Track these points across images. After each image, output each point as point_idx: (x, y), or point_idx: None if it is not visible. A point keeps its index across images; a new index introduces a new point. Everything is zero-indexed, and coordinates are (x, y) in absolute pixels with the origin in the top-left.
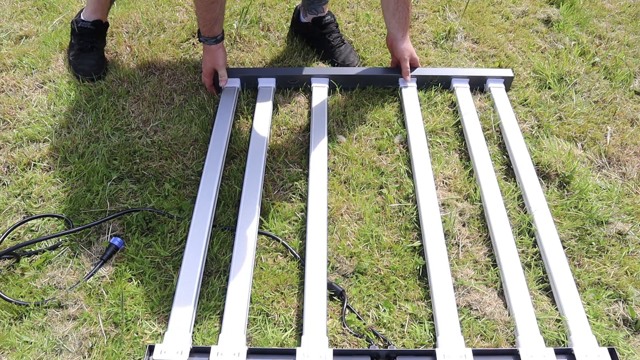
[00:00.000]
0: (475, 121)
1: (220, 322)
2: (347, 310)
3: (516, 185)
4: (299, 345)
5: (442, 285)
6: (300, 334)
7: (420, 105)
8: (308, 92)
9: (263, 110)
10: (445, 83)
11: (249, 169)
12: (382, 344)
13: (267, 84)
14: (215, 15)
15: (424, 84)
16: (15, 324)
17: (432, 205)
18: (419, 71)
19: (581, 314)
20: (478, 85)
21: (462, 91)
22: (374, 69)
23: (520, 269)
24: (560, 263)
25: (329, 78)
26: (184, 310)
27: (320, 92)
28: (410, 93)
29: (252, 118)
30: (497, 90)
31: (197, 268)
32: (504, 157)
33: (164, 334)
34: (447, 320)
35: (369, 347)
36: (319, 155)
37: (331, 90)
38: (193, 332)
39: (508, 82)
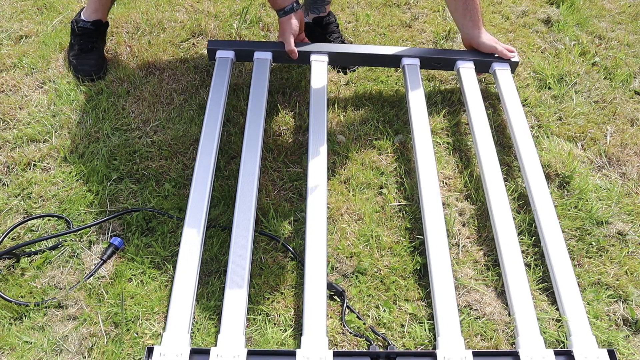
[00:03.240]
0: (480, 104)
1: (219, 323)
2: (347, 310)
3: (517, 185)
4: (299, 346)
5: (443, 285)
6: (300, 334)
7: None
8: (307, 93)
9: (259, 88)
10: (449, 65)
11: (244, 161)
12: (382, 344)
13: (263, 56)
14: None
15: (428, 65)
16: (15, 324)
17: (435, 200)
18: (424, 52)
19: (582, 315)
20: (483, 68)
21: (466, 72)
22: (376, 47)
23: (522, 269)
24: (563, 263)
25: (327, 54)
26: (181, 311)
27: (319, 66)
28: (413, 72)
29: (248, 99)
30: (502, 72)
31: (193, 268)
32: (504, 157)
33: (162, 335)
34: (447, 321)
35: (368, 348)
36: (317, 153)
37: (330, 91)
38: (192, 333)
39: (513, 67)
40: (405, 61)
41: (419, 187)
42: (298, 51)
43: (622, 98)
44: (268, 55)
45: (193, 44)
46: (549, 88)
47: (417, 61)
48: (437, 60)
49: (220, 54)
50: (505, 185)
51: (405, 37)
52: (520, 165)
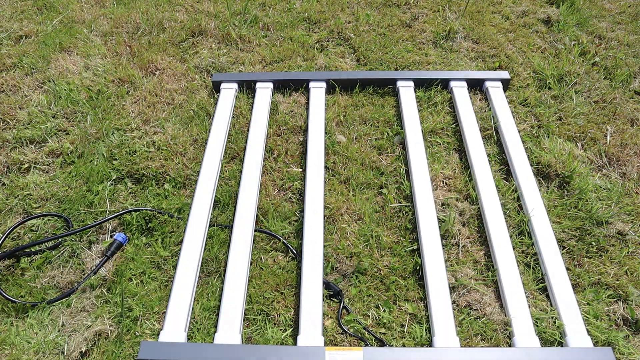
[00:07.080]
0: (473, 122)
1: (216, 323)
2: (345, 311)
3: (516, 186)
4: (295, 345)
5: (438, 285)
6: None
7: (420, 105)
8: (307, 92)
9: (261, 111)
10: (443, 84)
11: (246, 169)
12: (378, 344)
13: (264, 86)
14: None
15: (422, 85)
16: (15, 324)
17: (429, 207)
18: (417, 73)
19: (576, 315)
20: (476, 86)
21: (459, 92)
22: (370, 72)
23: (516, 269)
24: (557, 263)
25: (325, 81)
26: (179, 311)
27: (317, 93)
28: (407, 94)
29: (250, 118)
30: (494, 90)
31: (193, 269)
32: (504, 157)
33: (159, 333)
34: (442, 320)
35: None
36: (315, 154)
37: (330, 90)
38: (192, 332)
39: (505, 84)
40: (400, 84)
41: (413, 189)
42: (296, 79)
43: (622, 98)
44: (269, 85)
45: (193, 43)
46: (549, 88)
47: (411, 82)
48: (431, 81)
49: (224, 85)
50: (505, 186)
51: (405, 37)
52: (514, 176)
